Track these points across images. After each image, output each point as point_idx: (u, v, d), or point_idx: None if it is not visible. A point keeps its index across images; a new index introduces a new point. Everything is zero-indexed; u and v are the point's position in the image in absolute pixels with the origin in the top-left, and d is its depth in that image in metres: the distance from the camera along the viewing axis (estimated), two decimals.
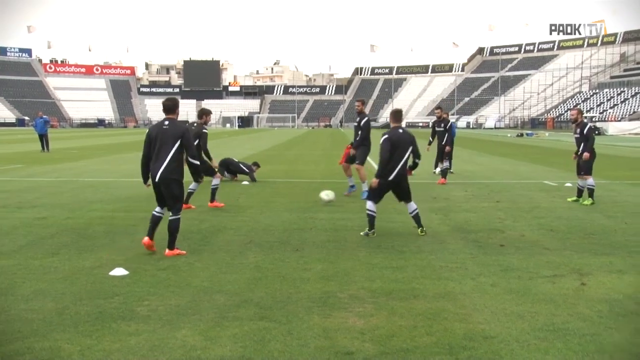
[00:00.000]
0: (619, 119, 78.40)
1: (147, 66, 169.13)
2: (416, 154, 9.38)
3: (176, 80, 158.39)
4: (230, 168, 16.98)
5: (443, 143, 16.65)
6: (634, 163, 23.91)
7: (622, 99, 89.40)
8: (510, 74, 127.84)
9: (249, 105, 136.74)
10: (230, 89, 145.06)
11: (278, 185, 16.28)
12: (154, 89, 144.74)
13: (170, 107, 8.00)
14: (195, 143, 11.61)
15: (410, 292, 6.23)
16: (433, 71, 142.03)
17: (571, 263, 7.42)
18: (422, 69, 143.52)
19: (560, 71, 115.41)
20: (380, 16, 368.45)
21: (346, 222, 10.34)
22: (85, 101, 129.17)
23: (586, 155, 12.37)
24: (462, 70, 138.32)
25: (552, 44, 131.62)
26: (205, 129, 12.00)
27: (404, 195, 9.37)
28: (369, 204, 9.23)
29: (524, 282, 6.60)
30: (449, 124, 16.93)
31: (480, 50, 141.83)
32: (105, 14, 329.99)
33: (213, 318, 5.44)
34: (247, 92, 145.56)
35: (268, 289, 6.37)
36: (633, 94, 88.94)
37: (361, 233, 9.25)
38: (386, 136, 9.13)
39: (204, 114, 12.22)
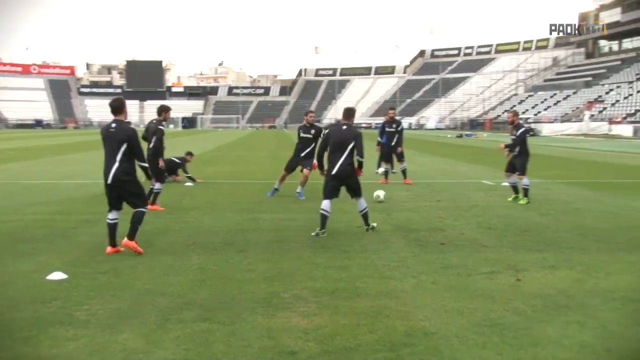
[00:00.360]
0: (552, 120, 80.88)
1: (87, 66, 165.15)
2: (359, 152, 9.43)
3: (118, 80, 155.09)
4: (172, 166, 16.66)
5: (393, 144, 16.69)
6: (566, 163, 24.70)
7: (554, 102, 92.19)
8: (450, 76, 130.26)
9: (193, 106, 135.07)
10: (174, 89, 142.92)
11: (222, 186, 16.14)
12: (95, 89, 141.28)
13: (117, 108, 7.85)
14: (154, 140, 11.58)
15: (354, 291, 6.27)
16: (376, 73, 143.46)
17: (507, 260, 7.61)
18: (366, 71, 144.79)
19: (498, 74, 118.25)
20: (324, 18, 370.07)
21: (290, 223, 10.34)
22: (22, 101, 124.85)
23: (507, 152, 13.01)
24: (404, 72, 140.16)
25: (490, 48, 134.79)
26: (162, 126, 11.81)
27: (351, 192, 9.54)
28: (324, 203, 9.30)
29: (463, 279, 6.73)
30: (401, 125, 17.00)
31: (422, 53, 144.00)
32: (44, 13, 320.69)
33: (155, 321, 5.35)
34: (191, 92, 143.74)
35: (212, 290, 6.31)
36: (565, 96, 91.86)
37: (312, 234, 9.25)
38: (327, 130, 9.29)
39: (163, 110, 12.04)
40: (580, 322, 5.27)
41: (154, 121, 12.01)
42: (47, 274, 6.79)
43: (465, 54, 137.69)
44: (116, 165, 7.68)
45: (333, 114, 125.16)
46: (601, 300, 5.92)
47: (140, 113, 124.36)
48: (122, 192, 7.78)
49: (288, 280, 6.69)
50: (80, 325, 5.24)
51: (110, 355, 4.61)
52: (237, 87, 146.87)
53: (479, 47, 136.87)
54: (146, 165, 8.10)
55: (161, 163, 11.65)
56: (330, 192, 9.40)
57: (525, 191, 12.75)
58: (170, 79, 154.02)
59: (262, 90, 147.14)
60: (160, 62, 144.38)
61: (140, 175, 8.09)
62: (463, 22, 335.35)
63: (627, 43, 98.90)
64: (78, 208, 12.08)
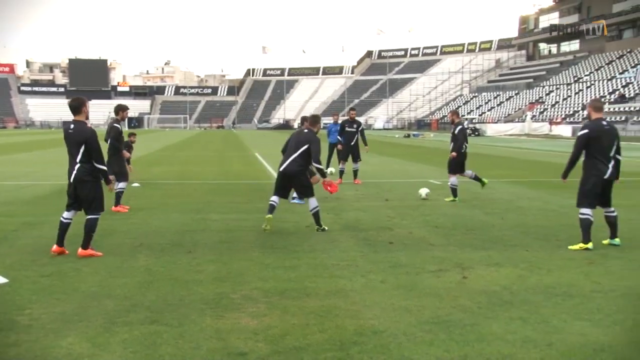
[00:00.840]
0: (496, 121, 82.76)
1: (28, 64, 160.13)
2: (313, 157, 9.68)
3: (61, 79, 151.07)
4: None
5: (352, 143, 16.69)
6: (509, 162, 25.31)
7: (498, 102, 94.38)
8: (397, 77, 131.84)
9: (139, 106, 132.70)
10: (119, 89, 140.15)
11: (170, 186, 15.93)
12: (36, 88, 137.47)
13: (76, 107, 7.68)
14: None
15: (303, 290, 6.27)
16: (324, 73, 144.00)
17: (454, 258, 7.74)
18: (314, 71, 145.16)
19: (443, 75, 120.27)
20: (271, 18, 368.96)
21: (239, 223, 10.27)
22: None
23: (452, 154, 12.93)
24: (352, 72, 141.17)
25: (435, 49, 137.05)
26: (117, 125, 11.66)
27: (298, 192, 9.98)
28: (273, 197, 9.72)
29: (411, 277, 6.81)
30: (361, 126, 17.04)
31: (369, 54, 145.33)
32: None
33: (102, 324, 5.23)
34: (137, 92, 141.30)
35: (159, 292, 6.21)
36: (507, 97, 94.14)
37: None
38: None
39: (119, 109, 11.91)
40: (523, 318, 5.41)
41: (112, 120, 11.95)
42: None
43: (412, 55, 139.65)
44: (77, 166, 7.58)
45: (281, 114, 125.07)
46: (543, 296, 6.08)
47: None
48: (81, 192, 7.65)
49: (237, 280, 6.65)
50: (22, 330, 5.09)
51: None
52: (184, 87, 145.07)
53: (424, 48, 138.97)
54: (104, 167, 7.79)
55: (128, 168, 11.61)
56: (278, 188, 9.78)
57: (452, 190, 13.06)
58: (115, 78, 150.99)
59: (209, 90, 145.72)
60: (105, 61, 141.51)
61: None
62: (409, 23, 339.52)
63: (565, 46, 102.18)
64: (19, 210, 11.73)
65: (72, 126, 7.63)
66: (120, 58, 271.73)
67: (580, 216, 8.34)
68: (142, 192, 14.58)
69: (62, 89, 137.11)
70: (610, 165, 8.24)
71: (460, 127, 13.09)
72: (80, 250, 7.69)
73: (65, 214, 7.83)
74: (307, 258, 7.72)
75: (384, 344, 4.78)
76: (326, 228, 9.64)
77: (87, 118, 7.85)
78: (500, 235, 9.35)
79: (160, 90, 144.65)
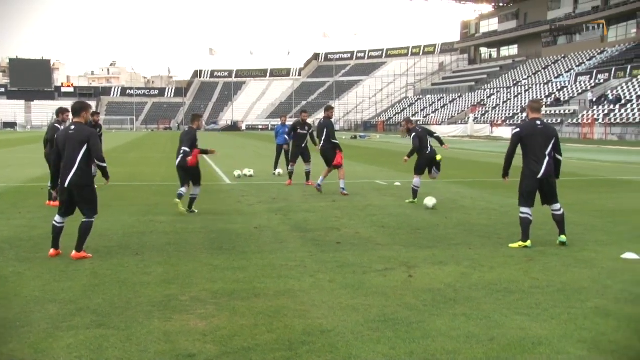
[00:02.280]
0: (440, 122, 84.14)
1: None
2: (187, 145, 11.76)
3: (1, 79, 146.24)
4: None
5: (303, 145, 16.62)
6: (452, 163, 25.73)
7: (442, 105, 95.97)
8: (344, 79, 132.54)
9: None
10: (64, 89, 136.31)
11: (117, 188, 15.59)
12: None
13: (77, 110, 7.72)
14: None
15: (252, 291, 6.24)
16: (271, 75, 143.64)
17: (400, 257, 7.83)
18: (261, 73, 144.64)
19: (389, 77, 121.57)
20: (218, 20, 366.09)
21: (187, 225, 10.14)
22: None
23: (405, 159, 13.21)
24: (299, 74, 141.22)
25: (380, 52, 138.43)
26: (57, 125, 11.62)
27: (194, 179, 11.85)
28: (182, 188, 11.56)
29: (359, 276, 6.85)
30: (312, 128, 16.97)
31: (316, 56, 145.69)
32: None
33: (45, 329, 5.08)
34: (82, 93, 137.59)
35: (106, 295, 6.08)
36: (451, 100, 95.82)
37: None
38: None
39: (59, 112, 12.02)
40: (467, 314, 5.51)
41: (53, 121, 11.88)
42: None
43: (358, 58, 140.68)
44: (74, 170, 7.48)
45: (229, 116, 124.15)
46: (485, 293, 6.21)
47: (26, 114, 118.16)
48: (78, 196, 7.59)
49: (185, 282, 6.56)
50: None
51: None
52: (130, 88, 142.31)
53: (370, 51, 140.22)
54: (104, 165, 7.82)
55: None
56: (181, 178, 11.81)
57: (413, 191, 13.07)
58: (59, 78, 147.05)
59: (156, 92, 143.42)
60: (47, 61, 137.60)
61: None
62: (355, 27, 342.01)
63: (505, 51, 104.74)
64: None
65: (72, 127, 7.65)
66: (64, 58, 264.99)
67: (520, 215, 8.51)
68: None
69: (2, 90, 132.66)
70: (545, 164, 8.35)
71: (413, 133, 13.04)
72: (74, 252, 7.63)
73: (58, 218, 7.76)
74: (256, 259, 7.68)
75: (332, 343, 4.79)
76: (195, 211, 11.31)
77: (85, 123, 7.81)
78: (444, 234, 9.50)
79: (106, 91, 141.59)
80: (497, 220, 10.74)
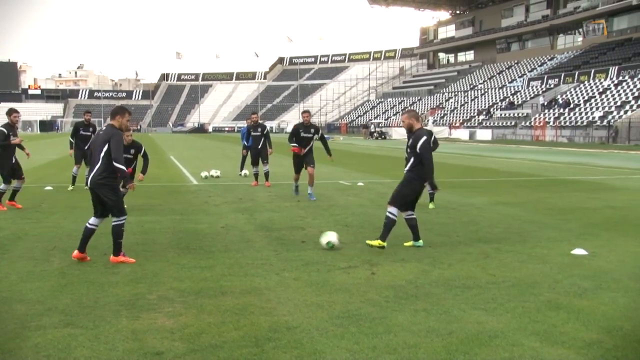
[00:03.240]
0: (400, 125, 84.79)
1: None
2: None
3: None
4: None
5: (260, 147, 16.45)
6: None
7: (402, 107, 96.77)
8: (308, 83, 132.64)
9: (52, 109, 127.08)
10: (30, 92, 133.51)
11: (85, 190, 15.30)
12: None
13: (112, 114, 7.67)
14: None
15: (219, 289, 6.19)
16: (237, 78, 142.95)
17: (363, 255, 7.86)
18: (227, 76, 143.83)
19: (352, 81, 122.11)
20: (185, 24, 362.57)
21: (154, 225, 10.02)
22: None
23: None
24: (265, 78, 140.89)
25: (343, 56, 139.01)
26: (3, 129, 11.37)
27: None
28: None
29: (323, 274, 6.86)
30: (266, 129, 16.83)
31: (281, 60, 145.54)
32: None
33: (12, 329, 4.96)
34: (49, 95, 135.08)
35: (74, 294, 5.96)
36: (411, 103, 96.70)
37: None
38: None
39: (7, 113, 11.66)
40: (427, 310, 5.56)
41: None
42: None
43: (322, 62, 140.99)
44: (96, 167, 7.27)
45: (196, 118, 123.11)
46: (444, 289, 6.28)
47: None
48: (99, 196, 7.35)
49: (153, 281, 6.48)
50: None
51: None
52: (98, 91, 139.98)
53: (333, 55, 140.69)
54: (122, 167, 7.37)
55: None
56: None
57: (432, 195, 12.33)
58: (26, 81, 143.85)
59: (124, 94, 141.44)
60: (14, 64, 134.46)
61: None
62: (319, 32, 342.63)
63: (462, 56, 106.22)
64: None
65: (103, 129, 7.57)
66: (31, 61, 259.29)
67: (388, 215, 8.23)
68: (55, 195, 13.96)
69: None
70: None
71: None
72: (111, 257, 7.39)
73: (92, 220, 7.51)
74: (222, 258, 7.63)
75: (297, 339, 4.78)
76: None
77: (119, 127, 7.53)
78: (405, 232, 9.54)
79: (74, 93, 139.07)
80: (456, 219, 10.87)
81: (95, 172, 7.33)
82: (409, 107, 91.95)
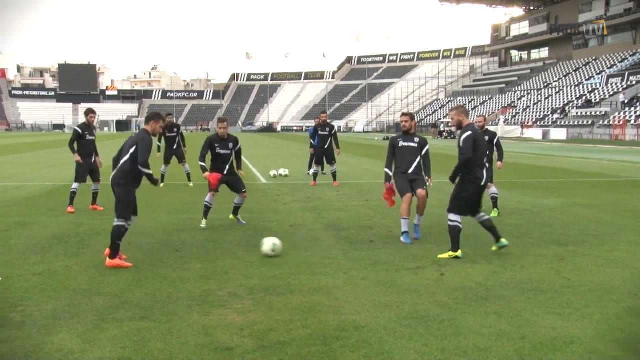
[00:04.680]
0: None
1: (19, 69, 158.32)
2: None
3: (51, 83, 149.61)
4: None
5: (326, 146, 16.41)
6: None
7: (472, 107, 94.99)
8: (376, 82, 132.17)
9: (127, 109, 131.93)
10: (108, 92, 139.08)
11: (156, 188, 15.79)
12: (27, 92, 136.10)
13: (148, 118, 7.69)
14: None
15: (287, 287, 6.26)
16: (306, 78, 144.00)
17: (432, 255, 7.77)
18: (296, 76, 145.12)
19: (420, 80, 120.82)
20: (255, 25, 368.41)
21: (225, 223, 10.22)
22: None
23: (500, 164, 11.61)
24: (333, 77, 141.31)
25: (412, 55, 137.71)
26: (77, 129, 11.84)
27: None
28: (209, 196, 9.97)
29: (391, 274, 6.82)
30: (334, 129, 16.84)
31: (349, 59, 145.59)
32: None
33: (92, 320, 5.18)
34: (125, 96, 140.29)
35: (148, 289, 6.16)
36: (481, 102, 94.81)
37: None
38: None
39: (85, 113, 12.01)
40: (498, 312, 5.44)
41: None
42: None
43: (390, 61, 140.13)
44: (119, 165, 7.40)
45: (265, 117, 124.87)
46: (516, 292, 6.12)
47: (74, 116, 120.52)
48: (114, 194, 7.46)
49: (223, 278, 6.61)
50: (15, 326, 5.02)
51: (46, 356, 4.43)
52: (171, 91, 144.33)
53: (402, 54, 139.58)
54: (147, 171, 7.49)
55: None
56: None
57: (495, 201, 11.27)
58: (104, 82, 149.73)
59: (195, 94, 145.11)
60: (94, 66, 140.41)
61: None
62: (387, 31, 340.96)
63: (535, 54, 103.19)
64: (9, 211, 11.57)
65: (136, 132, 7.74)
66: (109, 63, 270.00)
67: (450, 223, 7.75)
68: None
69: (52, 93, 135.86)
70: (485, 171, 7.81)
71: (498, 136, 11.56)
72: (107, 260, 7.21)
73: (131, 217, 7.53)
74: (291, 256, 7.70)
75: (365, 339, 4.78)
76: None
77: (151, 131, 7.59)
78: (475, 233, 9.38)
79: (148, 94, 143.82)
80: (529, 220, 10.58)
81: (116, 172, 7.42)
82: (458, 104, 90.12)
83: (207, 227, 9.75)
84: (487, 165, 7.68)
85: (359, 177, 19.10)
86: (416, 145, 9.47)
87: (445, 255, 7.64)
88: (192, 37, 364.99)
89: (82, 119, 13.52)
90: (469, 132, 7.59)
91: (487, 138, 10.55)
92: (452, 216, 7.76)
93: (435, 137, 68.00)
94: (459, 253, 7.61)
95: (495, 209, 11.15)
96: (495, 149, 11.28)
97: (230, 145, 10.07)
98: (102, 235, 9.09)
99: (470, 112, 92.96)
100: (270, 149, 41.34)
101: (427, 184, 9.33)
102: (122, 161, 7.43)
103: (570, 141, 56.03)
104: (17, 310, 5.46)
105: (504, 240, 7.86)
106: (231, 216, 10.35)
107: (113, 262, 7.13)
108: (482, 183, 7.69)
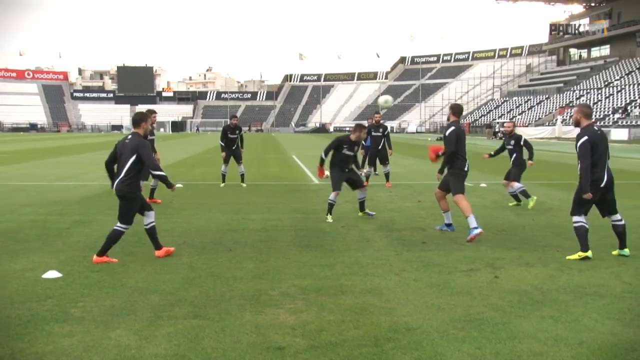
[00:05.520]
0: (527, 124, 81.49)
1: (80, 71, 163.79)
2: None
3: (110, 85, 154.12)
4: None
5: (380, 147, 16.38)
6: (539, 165, 24.86)
7: (528, 107, 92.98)
8: (429, 82, 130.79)
9: (182, 110, 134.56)
10: (164, 94, 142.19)
11: (210, 187, 16.08)
12: (87, 94, 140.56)
13: (136, 121, 7.77)
14: None
15: (339, 288, 6.27)
16: (359, 78, 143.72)
17: (485, 257, 7.65)
18: (349, 77, 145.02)
19: (475, 80, 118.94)
20: (307, 26, 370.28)
21: (277, 223, 10.31)
22: (16, 105, 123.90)
23: (530, 162, 12.84)
24: (386, 78, 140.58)
25: (467, 55, 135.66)
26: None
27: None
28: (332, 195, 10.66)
29: (444, 276, 6.75)
30: (387, 130, 16.74)
31: (402, 60, 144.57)
32: (36, 20, 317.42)
33: (148, 317, 5.32)
34: (181, 97, 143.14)
35: (202, 288, 6.28)
36: (538, 102, 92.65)
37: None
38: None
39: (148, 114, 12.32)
40: (554, 317, 5.31)
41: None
42: (42, 273, 6.73)
43: (444, 61, 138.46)
44: (122, 175, 7.51)
45: (317, 118, 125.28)
46: (573, 296, 5.97)
47: (131, 117, 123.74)
48: (119, 201, 7.61)
49: (275, 278, 6.67)
50: (75, 322, 5.20)
51: (104, 350, 4.57)
52: (225, 92, 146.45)
53: (456, 54, 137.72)
54: (161, 173, 7.68)
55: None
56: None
57: (523, 192, 12.42)
58: (160, 84, 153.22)
59: (249, 95, 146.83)
60: (150, 68, 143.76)
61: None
62: (441, 30, 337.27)
63: (595, 52, 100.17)
64: (71, 209, 11.97)
65: (129, 137, 7.72)
66: (165, 65, 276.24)
67: (575, 225, 7.71)
68: (185, 193, 14.76)
69: (111, 95, 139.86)
70: (607, 172, 7.58)
71: (524, 137, 12.95)
72: (95, 257, 7.40)
73: (144, 221, 7.73)
74: (343, 257, 7.71)
75: (417, 341, 4.74)
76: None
77: (145, 134, 7.80)
78: (531, 235, 9.20)
79: (202, 95, 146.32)
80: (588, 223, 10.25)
81: (120, 179, 7.48)
82: (529, 108, 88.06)
83: (260, 227, 9.87)
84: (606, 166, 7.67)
85: (412, 177, 18.95)
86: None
87: (575, 256, 7.61)
88: (245, 38, 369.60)
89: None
90: (585, 138, 7.51)
91: (512, 142, 12.62)
92: (573, 218, 7.73)
93: (490, 138, 66.85)
94: (587, 253, 7.56)
95: (530, 199, 12.17)
96: (524, 149, 12.76)
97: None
98: (158, 234, 9.29)
99: (527, 112, 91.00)
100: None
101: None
102: (126, 169, 7.47)
103: (633, 141, 54.14)
104: (77, 305, 5.65)
105: (626, 250, 7.78)
106: (360, 213, 11.08)
107: (102, 259, 7.35)
108: (603, 184, 7.55)
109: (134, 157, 7.47)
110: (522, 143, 12.71)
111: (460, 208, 9.11)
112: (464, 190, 9.23)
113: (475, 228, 8.81)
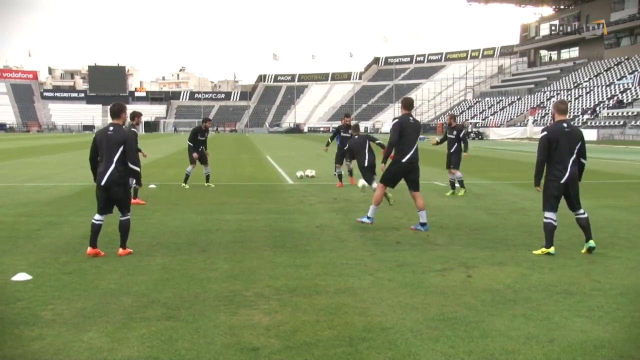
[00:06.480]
0: (499, 125, 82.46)
1: (50, 71, 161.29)
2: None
3: (81, 85, 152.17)
4: None
5: (346, 148, 16.54)
6: (511, 165, 25.20)
7: (500, 107, 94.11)
8: (403, 83, 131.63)
9: (155, 111, 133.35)
10: (137, 94, 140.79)
11: (185, 188, 15.95)
12: (58, 94, 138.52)
13: (116, 112, 7.85)
14: None
15: (313, 288, 6.27)
16: (333, 79, 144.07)
17: (459, 257, 7.71)
18: (323, 77, 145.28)
19: (448, 80, 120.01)
20: (281, 26, 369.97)
21: (251, 223, 10.28)
22: None
23: (465, 154, 14.65)
24: (360, 78, 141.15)
25: (440, 56, 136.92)
26: (134, 129, 12.04)
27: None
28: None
29: (418, 276, 6.79)
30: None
31: (376, 60, 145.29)
32: (5, 17, 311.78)
33: (120, 319, 5.25)
34: (154, 97, 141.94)
35: (175, 289, 6.23)
36: (510, 102, 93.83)
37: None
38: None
39: (135, 115, 12.26)
40: (526, 315, 5.38)
41: (129, 125, 12.29)
42: (11, 276, 6.60)
43: (417, 62, 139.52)
44: (111, 169, 7.60)
45: (292, 119, 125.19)
46: (545, 294, 6.05)
47: (103, 117, 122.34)
48: (113, 195, 7.71)
49: (250, 278, 6.65)
50: (46, 325, 5.11)
51: (75, 354, 4.50)
52: (198, 92, 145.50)
53: (429, 55, 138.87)
54: (138, 169, 7.85)
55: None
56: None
57: (461, 182, 14.32)
58: (133, 84, 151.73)
59: (223, 95, 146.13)
60: (123, 68, 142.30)
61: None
62: (415, 31, 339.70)
63: (565, 53, 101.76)
64: (41, 210, 11.78)
65: (111, 128, 7.75)
66: (138, 65, 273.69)
67: (544, 220, 7.93)
68: (158, 193, 14.63)
69: (82, 95, 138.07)
70: (569, 169, 7.78)
71: (463, 130, 14.77)
72: (120, 250, 7.77)
73: (97, 217, 7.82)
74: (317, 257, 7.71)
75: (391, 340, 4.76)
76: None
77: (123, 124, 7.98)
78: (503, 235, 9.31)
79: (176, 95, 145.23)
80: (558, 222, 10.40)
81: (111, 172, 7.58)
82: (501, 108, 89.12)
83: (234, 228, 9.83)
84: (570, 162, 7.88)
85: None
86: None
87: (539, 252, 7.88)
88: (219, 38, 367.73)
89: (110, 120, 13.78)
90: (543, 134, 7.94)
91: (455, 132, 14.43)
92: (545, 214, 7.94)
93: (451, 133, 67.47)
94: (549, 250, 7.81)
95: (463, 189, 14.22)
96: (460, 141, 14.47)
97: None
98: (131, 235, 9.18)
99: (499, 112, 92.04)
100: (297, 149, 41.41)
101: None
102: (112, 162, 7.59)
103: (602, 142, 55.14)
104: (48, 308, 5.56)
105: (591, 242, 7.94)
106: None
107: (127, 251, 7.79)
108: (563, 180, 7.79)
109: (121, 149, 7.62)
110: (461, 136, 14.42)
111: (374, 195, 10.00)
112: (389, 183, 9.83)
113: (368, 218, 9.79)
